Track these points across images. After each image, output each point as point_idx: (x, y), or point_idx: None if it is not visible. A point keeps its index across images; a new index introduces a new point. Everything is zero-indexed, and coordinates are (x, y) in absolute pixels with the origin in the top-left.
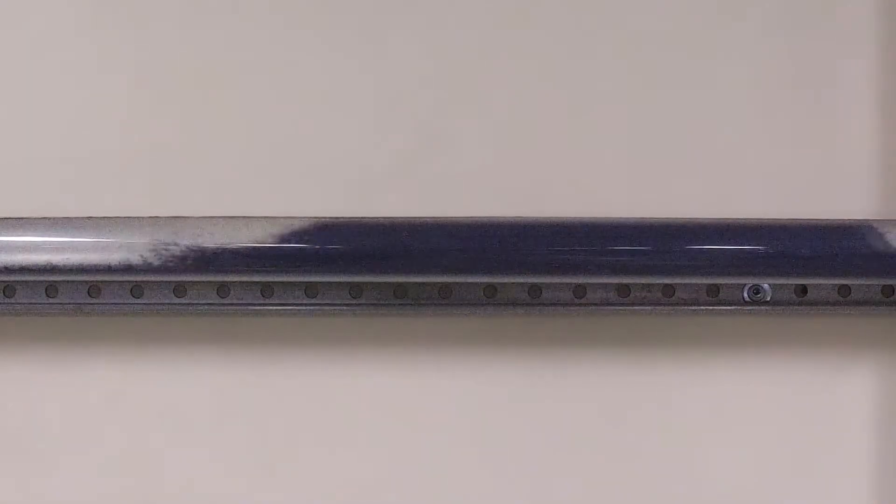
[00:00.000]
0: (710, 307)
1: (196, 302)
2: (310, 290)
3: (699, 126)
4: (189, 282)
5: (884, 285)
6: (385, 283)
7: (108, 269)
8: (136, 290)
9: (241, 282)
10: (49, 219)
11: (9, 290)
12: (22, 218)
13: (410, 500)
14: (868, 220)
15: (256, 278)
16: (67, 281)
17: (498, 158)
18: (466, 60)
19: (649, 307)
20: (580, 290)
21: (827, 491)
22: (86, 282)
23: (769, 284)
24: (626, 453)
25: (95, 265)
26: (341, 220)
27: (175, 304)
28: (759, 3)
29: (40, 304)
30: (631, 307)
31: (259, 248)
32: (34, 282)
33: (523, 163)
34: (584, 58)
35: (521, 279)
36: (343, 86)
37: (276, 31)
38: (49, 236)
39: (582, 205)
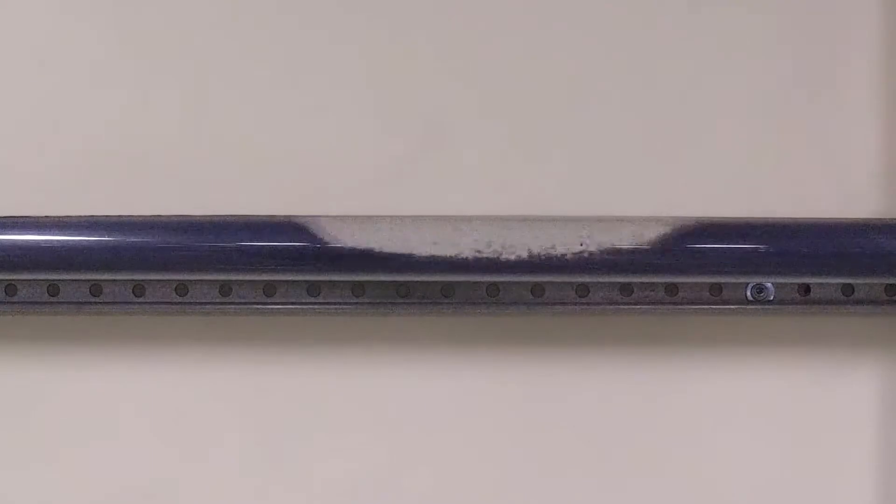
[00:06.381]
0: (714, 306)
1: (198, 301)
2: (312, 289)
3: (701, 125)
4: (190, 280)
5: (887, 284)
6: (387, 282)
7: None
8: (138, 288)
9: (243, 280)
10: None
11: (10, 288)
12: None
13: (413, 498)
14: (871, 219)
15: None
16: (71, 280)
17: (499, 157)
18: (467, 59)
19: (652, 306)
20: (583, 290)
21: (831, 489)
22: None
23: (772, 283)
24: (629, 452)
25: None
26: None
27: (177, 302)
28: (759, 2)
29: (42, 302)
30: (634, 306)
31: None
32: (36, 280)
33: (524, 162)
34: (585, 56)
35: (523, 278)
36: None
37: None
38: None
39: (584, 204)
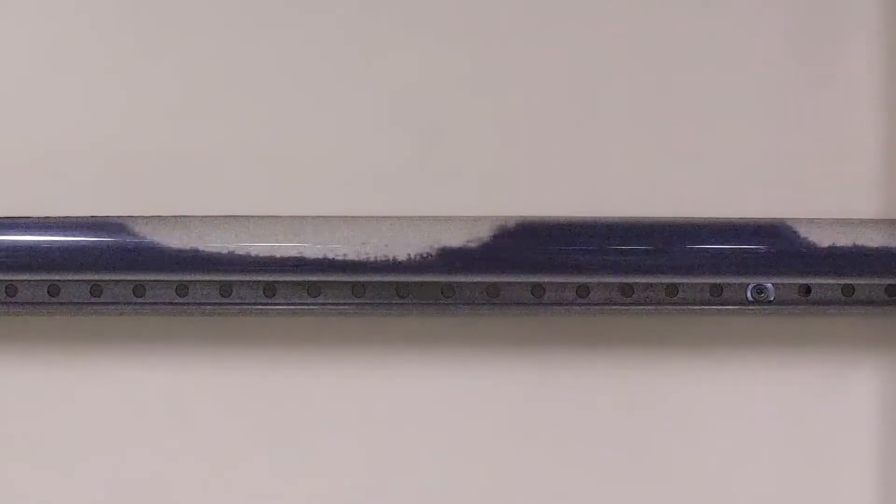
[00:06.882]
0: (714, 307)
1: (199, 301)
2: (312, 289)
3: (701, 125)
4: (191, 281)
5: (888, 285)
6: (387, 282)
7: None
8: (139, 289)
9: (243, 281)
10: None
11: (10, 289)
12: None
13: (413, 498)
14: (870, 219)
15: None
16: (71, 280)
17: (500, 157)
18: (469, 60)
19: (652, 307)
20: (583, 290)
21: (831, 490)
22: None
23: (772, 284)
24: (629, 452)
25: None
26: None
27: (177, 303)
28: (760, 2)
29: (42, 303)
30: (634, 307)
31: None
32: (36, 281)
33: (526, 162)
34: (587, 57)
35: (523, 278)
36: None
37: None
38: None
39: (584, 204)
